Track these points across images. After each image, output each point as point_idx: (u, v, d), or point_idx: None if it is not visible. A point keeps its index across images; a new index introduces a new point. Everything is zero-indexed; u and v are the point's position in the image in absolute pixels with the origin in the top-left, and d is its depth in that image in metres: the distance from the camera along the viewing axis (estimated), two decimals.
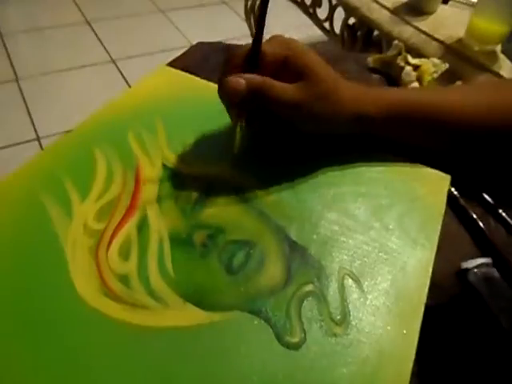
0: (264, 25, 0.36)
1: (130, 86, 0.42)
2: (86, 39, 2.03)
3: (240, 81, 0.36)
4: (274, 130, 0.42)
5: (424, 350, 0.29)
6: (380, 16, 1.20)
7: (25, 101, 1.66)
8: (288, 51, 0.37)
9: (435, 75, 0.50)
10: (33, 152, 0.40)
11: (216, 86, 0.36)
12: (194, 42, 0.59)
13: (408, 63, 0.51)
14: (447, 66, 0.51)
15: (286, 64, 0.37)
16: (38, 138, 1.52)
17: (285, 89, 0.37)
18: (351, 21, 1.35)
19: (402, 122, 0.40)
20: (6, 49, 1.91)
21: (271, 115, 0.39)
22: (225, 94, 0.36)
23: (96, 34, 2.06)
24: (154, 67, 0.51)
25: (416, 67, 0.51)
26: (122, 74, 1.82)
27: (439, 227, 0.36)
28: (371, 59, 0.55)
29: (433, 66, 0.50)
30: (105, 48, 1.97)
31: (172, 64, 0.52)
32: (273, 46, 0.38)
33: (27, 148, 1.46)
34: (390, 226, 0.35)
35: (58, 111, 1.57)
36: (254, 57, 0.37)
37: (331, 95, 0.38)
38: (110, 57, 1.92)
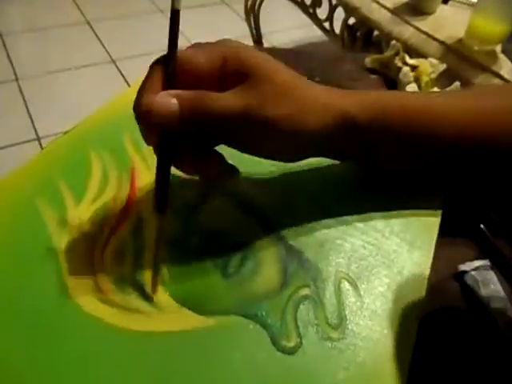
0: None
1: (130, 86, 0.43)
2: (86, 39, 2.03)
3: (170, 99, 0.28)
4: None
5: (421, 354, 0.29)
6: (380, 16, 1.19)
7: (25, 101, 1.66)
8: (224, 51, 0.30)
9: (433, 75, 0.49)
10: (33, 152, 0.40)
11: None
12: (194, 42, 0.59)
13: (406, 63, 0.51)
14: (445, 66, 0.51)
15: (225, 69, 0.30)
16: (38, 138, 1.52)
17: (224, 97, 0.29)
18: (351, 21, 1.35)
19: (389, 127, 0.33)
20: (6, 49, 1.91)
21: (216, 141, 0.32)
22: (153, 118, 0.28)
23: (96, 34, 2.06)
24: None
25: (414, 67, 0.50)
26: (121, 74, 1.82)
27: (437, 229, 0.36)
28: (369, 60, 0.54)
29: (430, 67, 0.50)
30: (105, 48, 1.97)
31: None
32: (206, 51, 0.30)
33: (27, 148, 1.46)
34: (387, 229, 0.35)
35: (58, 111, 1.57)
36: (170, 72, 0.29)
37: (292, 90, 0.30)
38: (110, 57, 1.92)
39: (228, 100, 0.29)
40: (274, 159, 0.34)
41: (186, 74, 0.29)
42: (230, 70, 0.30)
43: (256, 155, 0.33)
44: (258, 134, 0.30)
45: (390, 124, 0.33)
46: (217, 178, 0.34)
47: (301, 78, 0.32)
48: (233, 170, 0.33)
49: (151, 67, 0.30)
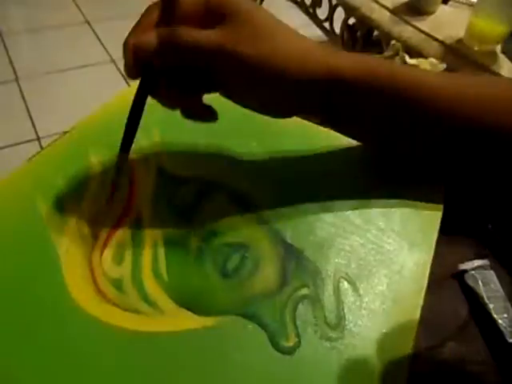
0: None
1: (129, 86, 0.43)
2: (86, 39, 2.03)
3: (148, 33, 0.30)
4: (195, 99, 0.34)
5: (420, 353, 0.29)
6: (380, 16, 1.19)
7: (25, 101, 1.66)
8: None
9: None
10: (33, 152, 0.40)
11: None
12: None
13: (406, 63, 0.51)
14: (444, 65, 0.51)
15: (209, 9, 0.31)
16: (38, 138, 1.52)
17: (204, 32, 0.30)
18: (351, 21, 1.35)
19: (377, 88, 0.32)
20: (6, 49, 1.91)
21: (192, 74, 0.32)
22: (130, 50, 0.30)
23: (96, 34, 2.06)
24: None
25: None
26: (122, 74, 1.82)
27: (437, 228, 0.36)
28: None
29: (430, 66, 0.50)
30: (105, 48, 1.97)
31: None
32: None
33: (27, 148, 1.46)
34: (387, 229, 0.35)
35: (58, 111, 1.57)
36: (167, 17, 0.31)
37: (273, 35, 0.31)
38: (110, 57, 1.92)
39: (204, 35, 0.30)
40: (261, 111, 0.34)
41: (173, 15, 0.31)
42: (212, 11, 0.31)
43: (243, 103, 0.34)
44: (236, 73, 0.31)
45: (378, 86, 0.32)
46: (197, 115, 0.35)
47: (289, 28, 0.32)
48: (213, 111, 0.34)
49: (146, 9, 0.33)
